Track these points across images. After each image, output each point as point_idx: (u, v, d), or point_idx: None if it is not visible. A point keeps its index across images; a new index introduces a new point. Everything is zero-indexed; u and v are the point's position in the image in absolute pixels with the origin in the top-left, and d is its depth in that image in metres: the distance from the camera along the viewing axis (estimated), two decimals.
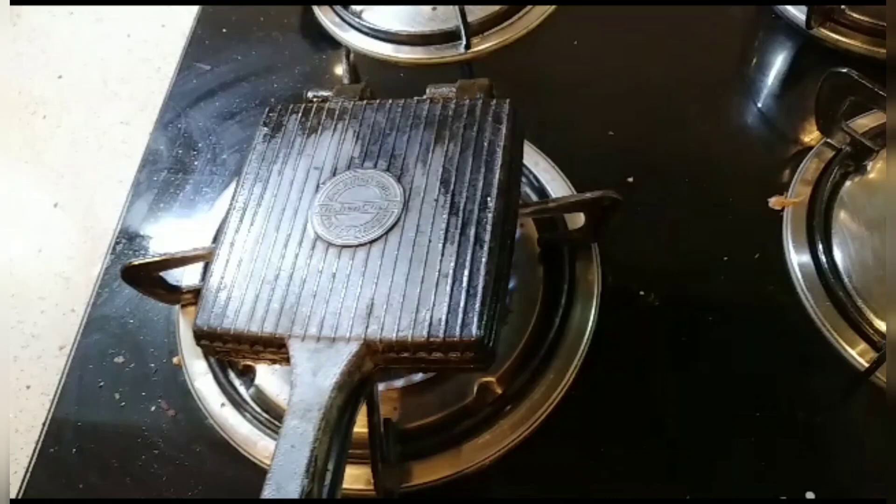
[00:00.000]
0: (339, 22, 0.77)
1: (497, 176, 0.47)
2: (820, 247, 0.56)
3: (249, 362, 0.55)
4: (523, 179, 0.61)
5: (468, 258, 0.44)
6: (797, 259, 0.56)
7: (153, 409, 0.56)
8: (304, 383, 0.41)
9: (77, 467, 0.55)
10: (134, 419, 0.56)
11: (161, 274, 0.57)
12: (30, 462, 0.55)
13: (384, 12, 0.76)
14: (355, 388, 0.43)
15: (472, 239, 0.44)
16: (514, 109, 0.50)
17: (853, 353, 0.51)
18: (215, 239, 0.62)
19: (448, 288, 0.43)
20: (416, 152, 0.49)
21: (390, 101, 0.53)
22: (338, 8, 0.78)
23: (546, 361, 0.52)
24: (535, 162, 0.61)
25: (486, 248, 0.44)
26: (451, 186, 0.47)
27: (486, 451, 0.50)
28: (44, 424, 0.57)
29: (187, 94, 0.77)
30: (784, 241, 0.57)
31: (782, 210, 0.58)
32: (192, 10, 0.84)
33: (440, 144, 0.49)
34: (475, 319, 0.42)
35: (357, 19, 0.76)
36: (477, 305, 0.42)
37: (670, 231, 0.59)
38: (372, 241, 0.46)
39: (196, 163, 0.71)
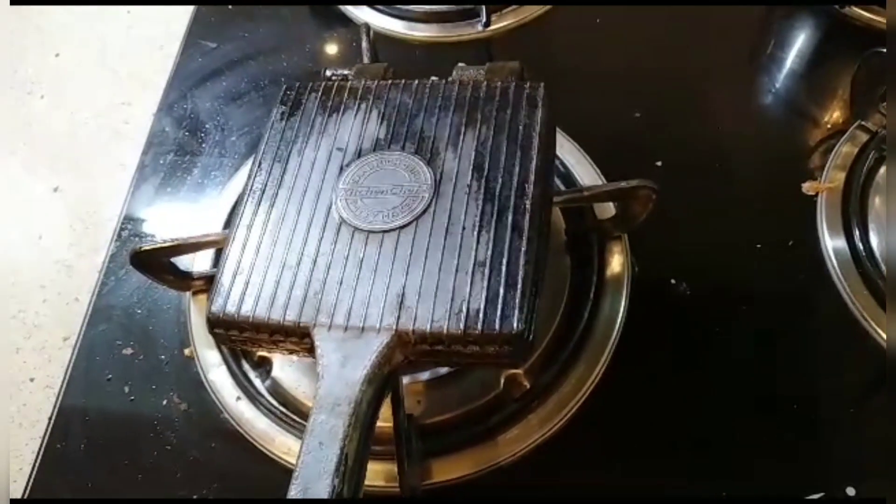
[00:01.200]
0: None
1: (534, 161, 0.45)
2: (856, 233, 0.54)
3: (264, 352, 0.53)
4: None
5: (506, 247, 0.41)
6: (832, 245, 0.54)
7: (165, 402, 0.54)
8: (331, 375, 0.39)
9: (85, 464, 0.53)
10: (145, 413, 0.54)
11: (171, 260, 0.54)
12: (36, 458, 0.53)
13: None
14: (383, 381, 0.40)
15: (509, 227, 0.42)
16: (548, 93, 0.48)
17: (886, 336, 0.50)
18: (227, 224, 0.60)
19: (485, 278, 0.41)
20: (447, 135, 0.47)
21: (416, 81, 0.50)
22: None
23: (575, 354, 0.51)
24: (560, 144, 0.59)
25: (524, 236, 0.42)
26: (486, 172, 0.45)
27: (514, 447, 0.48)
28: (50, 419, 0.55)
29: (193, 74, 0.74)
30: (818, 228, 0.55)
31: (816, 195, 0.57)
32: None
33: (472, 128, 0.47)
34: (515, 312, 0.39)
35: None
36: (517, 297, 0.40)
37: (701, 217, 0.57)
38: (401, 227, 0.43)
39: (204, 145, 0.68)
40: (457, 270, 0.41)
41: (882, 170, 0.57)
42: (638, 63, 0.66)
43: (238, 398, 0.53)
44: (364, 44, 0.57)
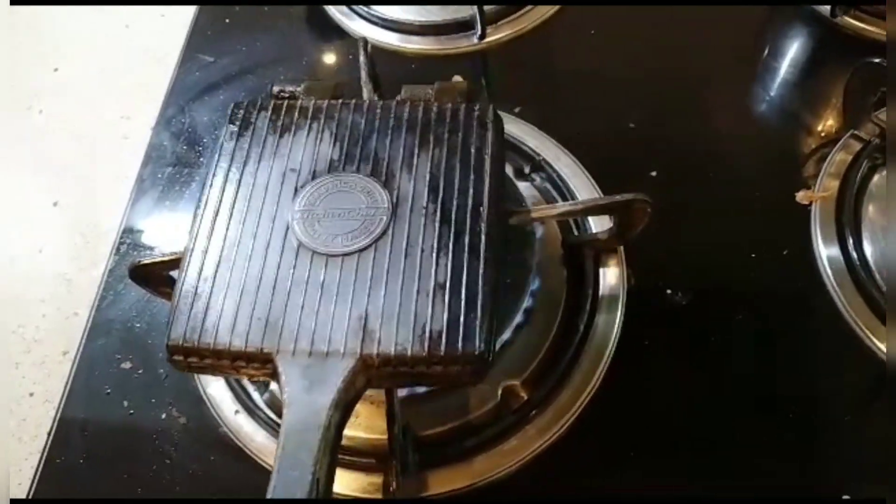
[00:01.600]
0: (347, 11, 0.75)
1: (487, 184, 0.45)
2: (850, 241, 0.54)
3: (223, 377, 0.53)
4: (543, 174, 0.60)
5: (464, 269, 0.42)
6: (826, 254, 0.54)
7: (164, 416, 0.54)
8: (298, 402, 0.39)
9: (85, 478, 0.53)
10: (144, 427, 0.54)
11: (171, 274, 0.55)
12: (35, 472, 0.54)
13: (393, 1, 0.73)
14: (349, 404, 0.40)
15: (466, 249, 0.43)
16: (497, 115, 0.49)
17: (885, 348, 0.50)
18: None
19: (446, 300, 0.41)
20: (401, 156, 0.47)
21: (366, 101, 0.51)
22: None
23: (572, 364, 0.51)
24: (556, 156, 0.60)
25: (481, 258, 0.42)
26: (441, 194, 0.45)
27: (511, 458, 0.48)
28: (49, 433, 0.55)
29: (190, 87, 0.74)
30: (812, 237, 0.55)
31: (810, 204, 0.57)
32: None
33: (425, 149, 0.47)
34: (477, 333, 0.40)
35: (364, 8, 0.74)
36: (478, 318, 0.40)
37: (696, 227, 0.57)
38: (360, 251, 0.43)
39: (202, 158, 0.68)
40: (417, 293, 0.41)
41: (875, 178, 0.57)
42: (633, 74, 0.66)
43: (237, 412, 0.53)
44: (362, 58, 0.57)
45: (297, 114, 0.50)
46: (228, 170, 0.48)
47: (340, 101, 0.51)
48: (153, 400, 0.55)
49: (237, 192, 0.47)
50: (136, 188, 0.68)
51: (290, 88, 0.53)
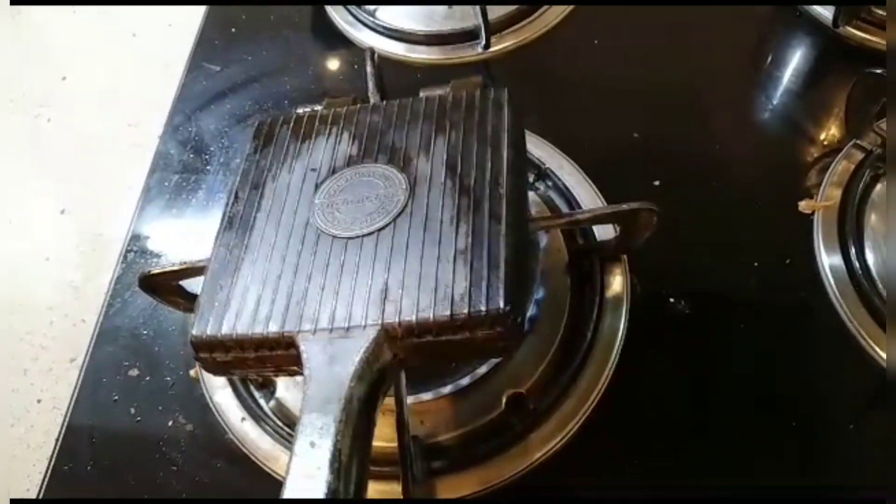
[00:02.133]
0: (352, 21, 0.76)
1: (505, 156, 0.45)
2: (852, 251, 0.54)
3: (253, 375, 0.53)
4: (548, 183, 0.60)
5: (485, 233, 0.41)
6: (829, 263, 0.54)
7: (170, 423, 0.55)
8: (319, 375, 0.38)
9: (92, 485, 0.53)
10: (151, 434, 0.54)
11: (180, 283, 0.55)
12: (43, 479, 0.54)
13: (398, 11, 0.74)
14: (375, 380, 0.39)
15: (486, 215, 0.42)
16: (512, 94, 0.48)
17: (886, 356, 0.50)
18: None
19: (467, 263, 0.40)
20: (418, 143, 0.47)
21: (384, 102, 0.51)
22: (350, 6, 0.76)
23: (577, 372, 0.51)
24: (560, 165, 0.60)
25: (503, 221, 0.42)
26: (459, 170, 0.45)
27: (517, 465, 0.49)
28: (56, 440, 0.56)
29: (197, 96, 0.75)
30: (815, 246, 0.55)
31: (812, 213, 0.57)
32: (200, 9, 0.82)
33: (441, 134, 0.47)
34: (501, 290, 0.39)
35: (370, 18, 0.74)
36: (501, 276, 0.39)
37: (699, 236, 0.57)
38: (379, 229, 0.43)
39: (208, 167, 0.69)
40: (438, 260, 0.41)
41: (878, 187, 0.57)
42: (636, 84, 0.67)
43: (243, 419, 0.53)
44: (369, 68, 0.58)
45: (317, 122, 0.51)
46: (251, 177, 0.49)
47: (359, 106, 0.51)
48: (160, 407, 0.56)
49: (261, 196, 0.48)
50: (143, 196, 0.68)
51: (313, 107, 0.54)
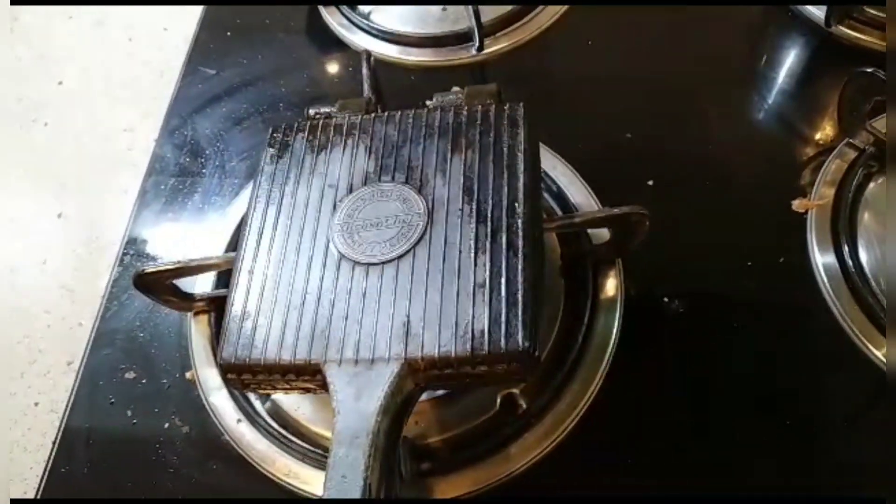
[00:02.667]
0: (347, 23, 0.76)
1: (521, 180, 0.45)
2: (845, 249, 0.54)
3: (280, 393, 0.52)
4: (542, 184, 0.60)
5: (503, 266, 0.42)
6: (822, 262, 0.55)
7: (167, 425, 0.55)
8: (347, 409, 0.40)
9: (89, 487, 0.54)
10: (147, 436, 0.55)
11: (174, 282, 0.55)
12: (40, 482, 0.54)
13: (392, 13, 0.74)
14: (399, 409, 0.41)
15: (504, 246, 0.43)
16: (528, 112, 0.49)
17: (881, 355, 0.50)
18: (228, 247, 0.61)
19: (486, 298, 0.41)
20: (434, 162, 0.48)
21: (399, 112, 0.51)
22: (345, 9, 0.76)
23: (571, 373, 0.51)
24: (553, 165, 0.60)
25: (520, 254, 0.43)
26: (476, 195, 0.46)
27: (511, 465, 0.49)
28: (54, 443, 0.56)
29: (193, 100, 0.75)
30: (808, 244, 0.56)
31: (806, 212, 0.57)
32: (195, 13, 0.83)
33: (458, 153, 0.48)
34: (520, 329, 0.40)
35: (365, 20, 0.75)
36: (520, 314, 0.41)
37: (693, 236, 0.58)
38: (400, 257, 0.44)
39: (204, 170, 0.69)
40: (458, 294, 0.42)
41: (871, 186, 0.57)
42: (630, 85, 0.67)
43: (239, 421, 0.53)
44: (364, 70, 0.58)
45: (332, 131, 0.52)
46: (270, 191, 0.50)
47: (374, 115, 0.52)
48: (156, 409, 0.56)
49: (279, 213, 0.48)
50: (140, 200, 0.69)
51: (325, 109, 0.54)
